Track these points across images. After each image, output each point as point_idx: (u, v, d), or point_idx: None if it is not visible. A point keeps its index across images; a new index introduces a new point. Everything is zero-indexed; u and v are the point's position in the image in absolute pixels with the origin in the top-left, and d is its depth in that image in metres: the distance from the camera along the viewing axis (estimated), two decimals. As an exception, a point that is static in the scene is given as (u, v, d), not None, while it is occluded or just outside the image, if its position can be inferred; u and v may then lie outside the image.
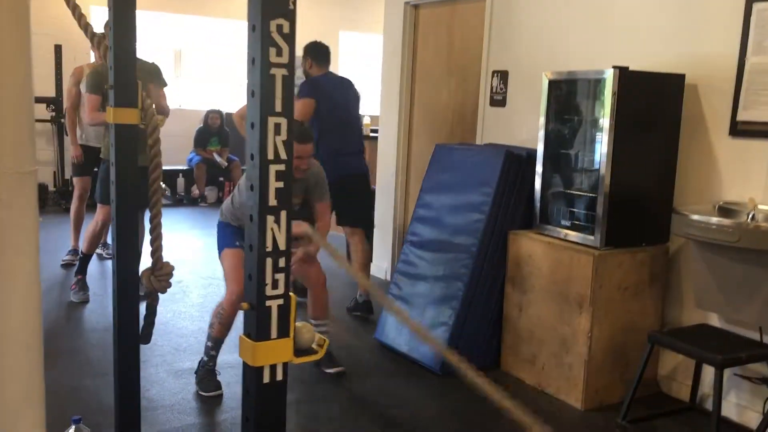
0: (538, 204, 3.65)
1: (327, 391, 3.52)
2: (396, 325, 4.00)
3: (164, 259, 2.31)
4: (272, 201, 1.44)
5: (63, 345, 3.86)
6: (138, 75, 5.00)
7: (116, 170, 2.42)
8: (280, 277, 1.47)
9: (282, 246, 1.46)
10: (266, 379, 1.49)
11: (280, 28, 1.40)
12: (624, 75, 3.18)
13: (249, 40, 1.42)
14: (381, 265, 5.51)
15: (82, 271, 4.75)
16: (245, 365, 1.52)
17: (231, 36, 9.49)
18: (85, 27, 2.37)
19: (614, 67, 3.16)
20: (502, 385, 3.60)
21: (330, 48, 4.78)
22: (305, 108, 4.44)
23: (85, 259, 4.78)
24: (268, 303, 1.46)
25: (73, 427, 2.52)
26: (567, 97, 3.53)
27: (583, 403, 3.34)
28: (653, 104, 3.34)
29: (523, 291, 3.64)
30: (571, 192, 3.51)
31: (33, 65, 1.66)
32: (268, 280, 1.46)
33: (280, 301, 1.48)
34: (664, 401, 3.48)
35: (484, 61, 4.59)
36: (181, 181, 9.08)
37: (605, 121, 3.21)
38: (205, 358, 3.42)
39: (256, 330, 1.47)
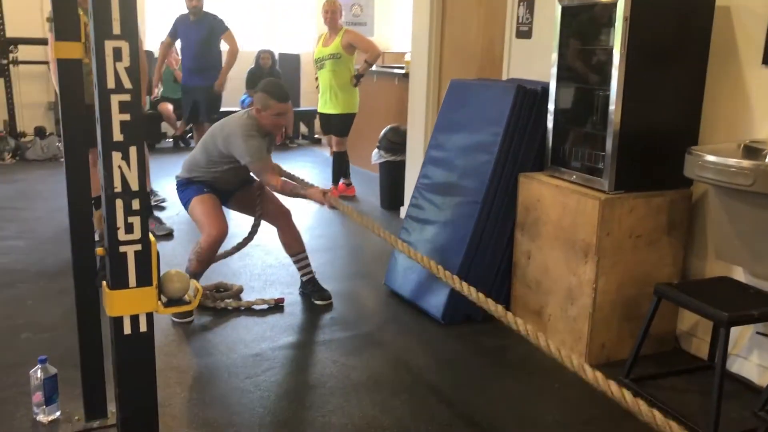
0: (550, 144, 3.37)
1: (325, 335, 3.44)
2: (403, 271, 3.85)
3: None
4: (117, 136, 1.30)
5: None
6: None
7: (62, 108, 2.34)
8: (135, 220, 1.34)
9: (134, 186, 1.33)
10: (127, 330, 1.38)
11: (111, -65, 1.23)
12: (638, -2, 2.82)
13: (80, -47, 1.26)
14: (410, 209, 5.33)
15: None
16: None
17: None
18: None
19: (626, -11, 2.81)
20: (504, 337, 3.42)
21: None
22: (162, 47, 6.38)
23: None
24: (122, 249, 1.34)
25: (40, 366, 2.52)
26: (582, 26, 3.18)
27: (587, 358, 3.11)
28: (676, 31, 2.96)
29: (531, 238, 3.40)
30: (584, 131, 3.20)
31: None
32: (120, 223, 1.33)
33: (137, 247, 1.35)
34: (681, 359, 3.21)
35: (510, -11, 4.23)
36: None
37: (617, 51, 2.88)
38: None
39: (111, 278, 1.36)
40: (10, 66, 7.68)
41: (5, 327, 3.37)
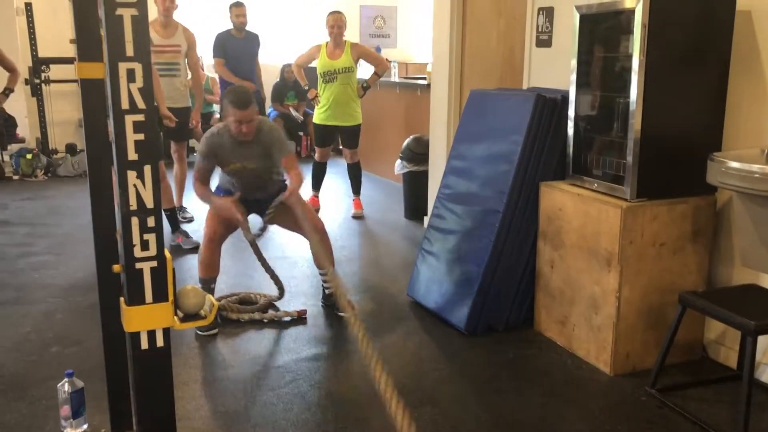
0: (570, 152, 3.35)
1: (349, 346, 3.44)
2: (426, 282, 3.85)
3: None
4: (132, 155, 1.33)
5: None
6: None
7: (86, 127, 2.38)
8: (151, 237, 1.37)
9: (149, 204, 1.36)
10: (144, 345, 1.41)
11: (123, -38, 1.26)
12: (656, 4, 2.80)
13: (93, -22, 1.30)
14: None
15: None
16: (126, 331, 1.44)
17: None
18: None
19: (644, -5, 2.79)
20: (527, 347, 3.39)
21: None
22: (217, 67, 6.38)
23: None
24: (138, 265, 1.37)
25: (67, 380, 2.57)
26: (600, 34, 3.17)
27: (611, 368, 3.08)
28: (696, 36, 2.93)
29: (554, 247, 3.37)
30: (604, 139, 3.18)
31: None
32: (136, 240, 1.36)
33: (153, 264, 1.38)
34: (708, 368, 3.15)
35: (529, -2, 4.23)
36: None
37: (636, 59, 2.86)
38: None
39: (128, 294, 1.39)
40: (42, 85, 7.86)
41: (35, 341, 3.44)
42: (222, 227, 3.60)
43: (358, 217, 5.97)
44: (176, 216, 5.26)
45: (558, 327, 3.40)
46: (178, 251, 5.00)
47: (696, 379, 3.04)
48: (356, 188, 6.13)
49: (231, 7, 6.51)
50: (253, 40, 6.65)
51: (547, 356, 3.32)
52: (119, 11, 1.27)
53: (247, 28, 6.63)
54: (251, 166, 3.60)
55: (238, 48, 6.49)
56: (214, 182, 3.78)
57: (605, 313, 3.08)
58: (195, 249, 4.96)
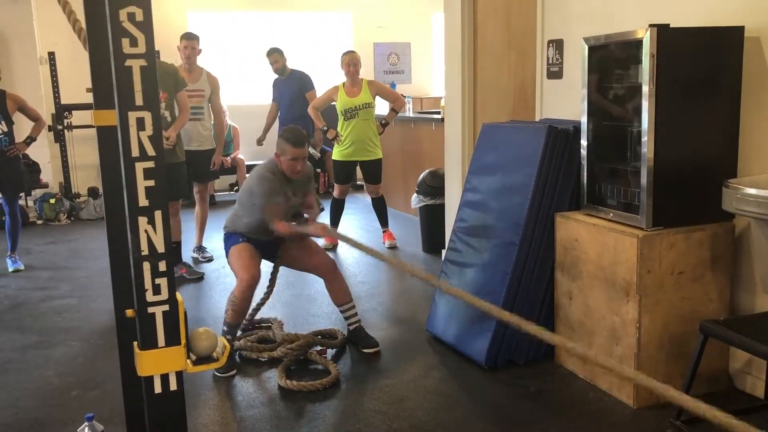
0: (584, 182, 3.34)
1: (368, 383, 3.42)
2: (444, 317, 3.83)
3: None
4: (143, 201, 1.36)
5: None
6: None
7: (103, 172, 2.42)
8: (162, 281, 1.39)
9: (160, 248, 1.38)
10: (158, 389, 1.42)
11: (131, 16, 1.31)
12: (663, 34, 2.81)
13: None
14: (452, 252, 5.32)
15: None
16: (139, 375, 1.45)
17: (313, 28, 9.55)
18: (79, 31, 2.37)
19: (651, 26, 2.81)
20: (549, 380, 3.35)
21: None
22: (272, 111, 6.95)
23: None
24: (150, 310, 1.39)
25: (87, 424, 2.58)
26: (609, 64, 3.19)
27: (635, 401, 3.03)
28: (706, 63, 2.94)
29: (572, 278, 3.35)
30: (618, 168, 3.17)
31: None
32: (148, 285, 1.38)
33: (165, 308, 1.40)
34: (735, 398, 3.09)
35: (539, 30, 4.27)
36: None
37: (646, 88, 2.87)
38: None
39: (141, 338, 1.40)
40: (65, 131, 8.03)
41: (57, 384, 3.47)
42: (259, 270, 3.58)
43: (392, 247, 6.04)
44: (179, 249, 5.39)
45: (579, 359, 3.35)
46: (179, 282, 5.08)
47: (722, 410, 2.96)
48: (384, 221, 6.17)
49: None
50: (295, 81, 6.89)
51: (569, 389, 3.27)
52: (128, 62, 1.31)
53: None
54: (296, 203, 3.72)
55: (281, 89, 6.88)
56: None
57: (626, 343, 3.04)
58: (199, 279, 5.08)
